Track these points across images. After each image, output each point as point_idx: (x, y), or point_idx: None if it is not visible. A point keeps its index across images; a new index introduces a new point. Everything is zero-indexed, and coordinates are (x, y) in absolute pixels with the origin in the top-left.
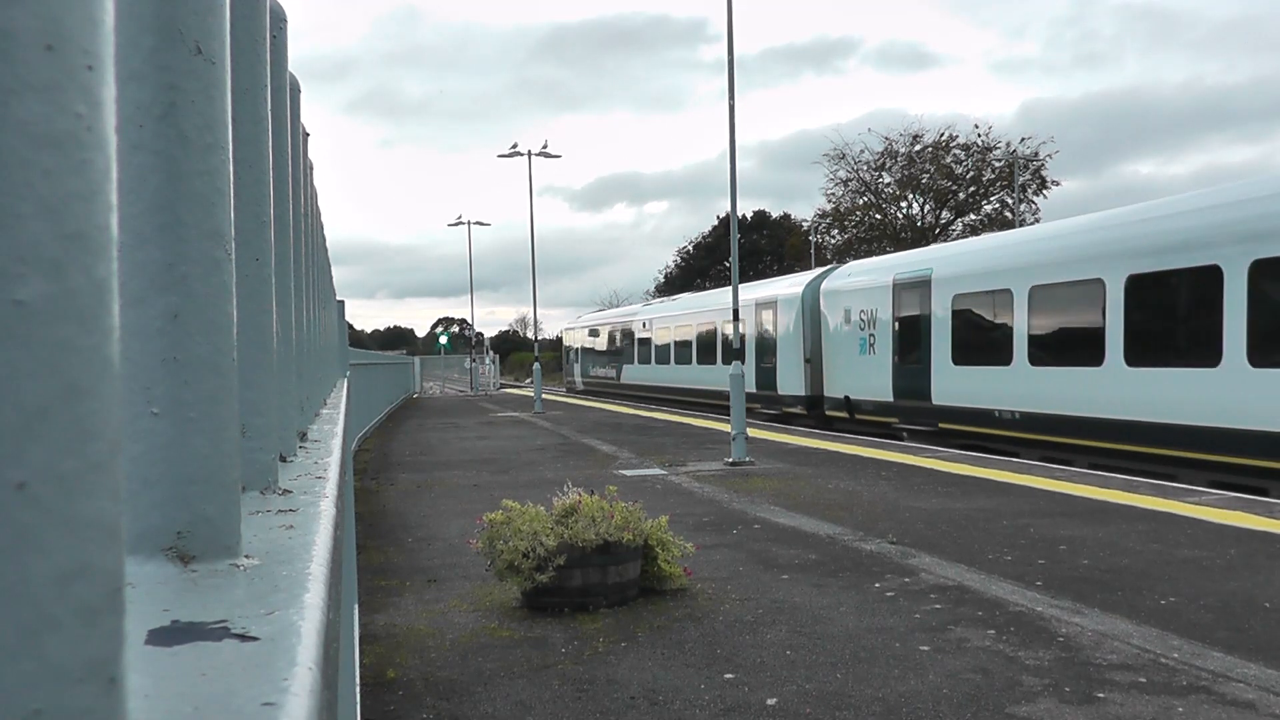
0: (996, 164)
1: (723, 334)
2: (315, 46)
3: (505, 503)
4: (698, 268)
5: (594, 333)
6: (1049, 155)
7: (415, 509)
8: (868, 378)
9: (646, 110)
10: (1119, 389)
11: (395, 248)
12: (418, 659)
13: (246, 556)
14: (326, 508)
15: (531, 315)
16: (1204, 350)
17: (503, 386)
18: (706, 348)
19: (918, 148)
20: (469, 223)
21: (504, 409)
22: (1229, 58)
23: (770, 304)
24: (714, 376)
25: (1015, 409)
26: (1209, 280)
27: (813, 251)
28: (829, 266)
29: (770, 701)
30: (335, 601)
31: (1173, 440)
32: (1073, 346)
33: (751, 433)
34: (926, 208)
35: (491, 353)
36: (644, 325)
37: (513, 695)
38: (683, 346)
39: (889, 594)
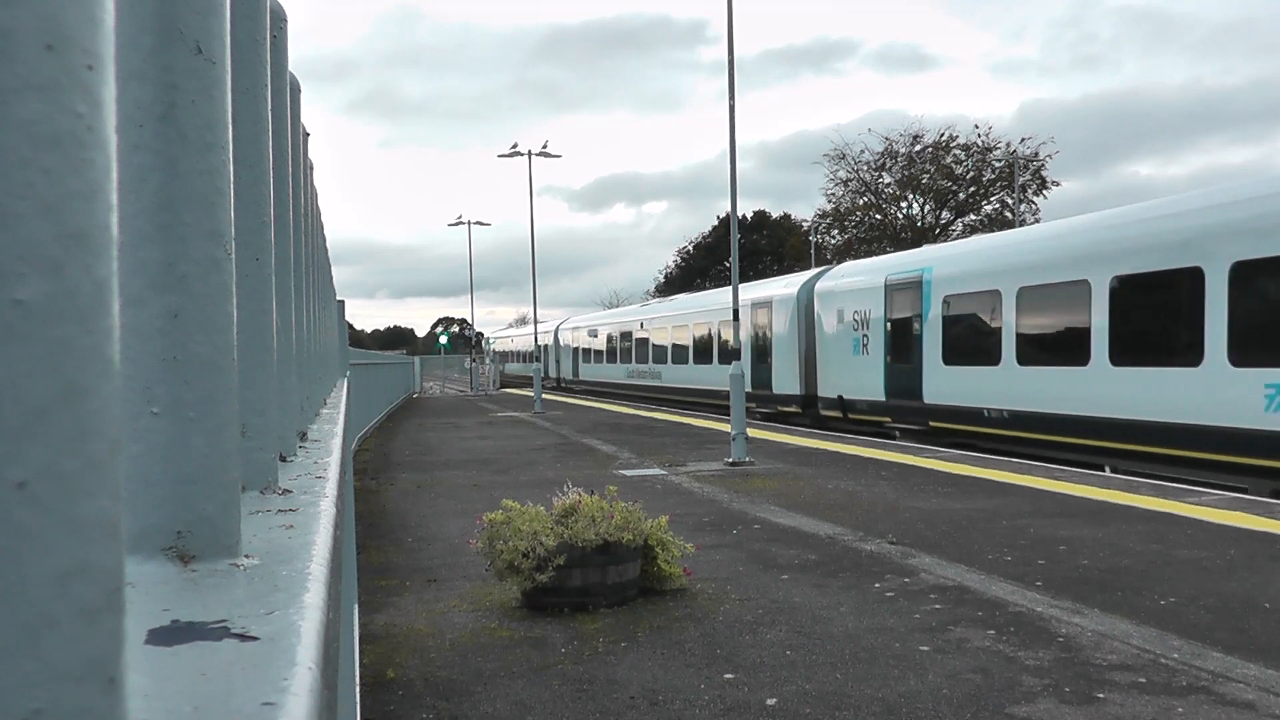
0: (996, 164)
1: (539, 346)
2: (315, 47)
3: (505, 503)
4: (698, 268)
5: (491, 343)
6: (1049, 156)
7: (415, 509)
8: (568, 368)
9: (645, 111)
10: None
11: (395, 248)
12: (417, 659)
13: (246, 556)
14: (326, 508)
15: (532, 315)
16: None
17: (503, 386)
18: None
19: (918, 148)
20: (469, 223)
21: (504, 409)
22: (1227, 60)
23: (547, 333)
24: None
25: (620, 381)
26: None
27: (813, 251)
28: (561, 319)
29: (770, 701)
30: (335, 601)
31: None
32: (613, 356)
33: (751, 433)
34: (926, 208)
35: (492, 352)
36: (510, 340)
37: (512, 695)
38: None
39: (889, 594)
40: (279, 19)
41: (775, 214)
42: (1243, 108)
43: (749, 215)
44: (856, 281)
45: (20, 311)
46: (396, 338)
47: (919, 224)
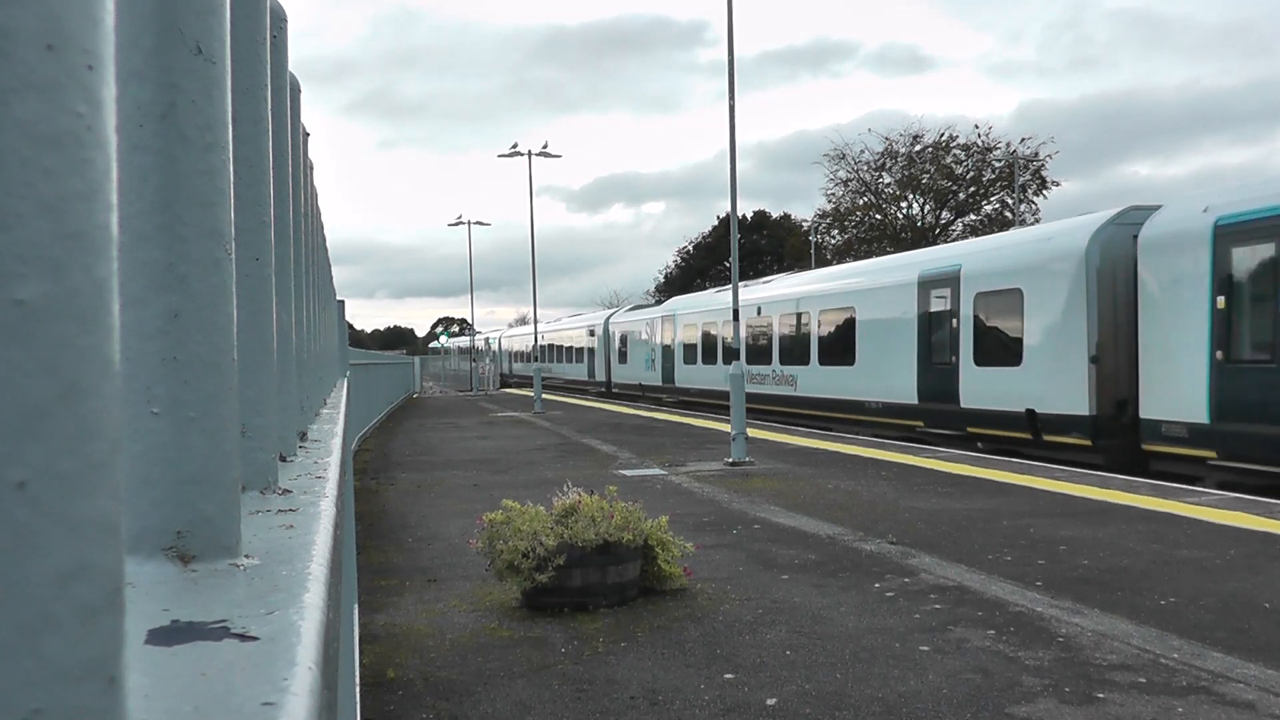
0: (996, 164)
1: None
2: (315, 48)
3: (505, 502)
4: (698, 268)
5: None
6: (1049, 155)
7: (415, 509)
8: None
9: (644, 111)
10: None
11: (395, 248)
12: (417, 659)
13: (246, 556)
14: (326, 508)
15: (532, 315)
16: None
17: (503, 386)
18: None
19: (918, 148)
20: (469, 223)
21: (504, 409)
22: (1225, 61)
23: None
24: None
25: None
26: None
27: (813, 251)
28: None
29: (770, 702)
30: (335, 601)
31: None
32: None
33: (751, 433)
34: (926, 208)
35: (492, 352)
36: (488, 341)
37: (512, 695)
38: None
39: (889, 594)
40: (279, 19)
41: (775, 214)
42: (1241, 108)
43: (749, 215)
44: (638, 317)
45: (20, 311)
46: (396, 338)
47: (919, 224)
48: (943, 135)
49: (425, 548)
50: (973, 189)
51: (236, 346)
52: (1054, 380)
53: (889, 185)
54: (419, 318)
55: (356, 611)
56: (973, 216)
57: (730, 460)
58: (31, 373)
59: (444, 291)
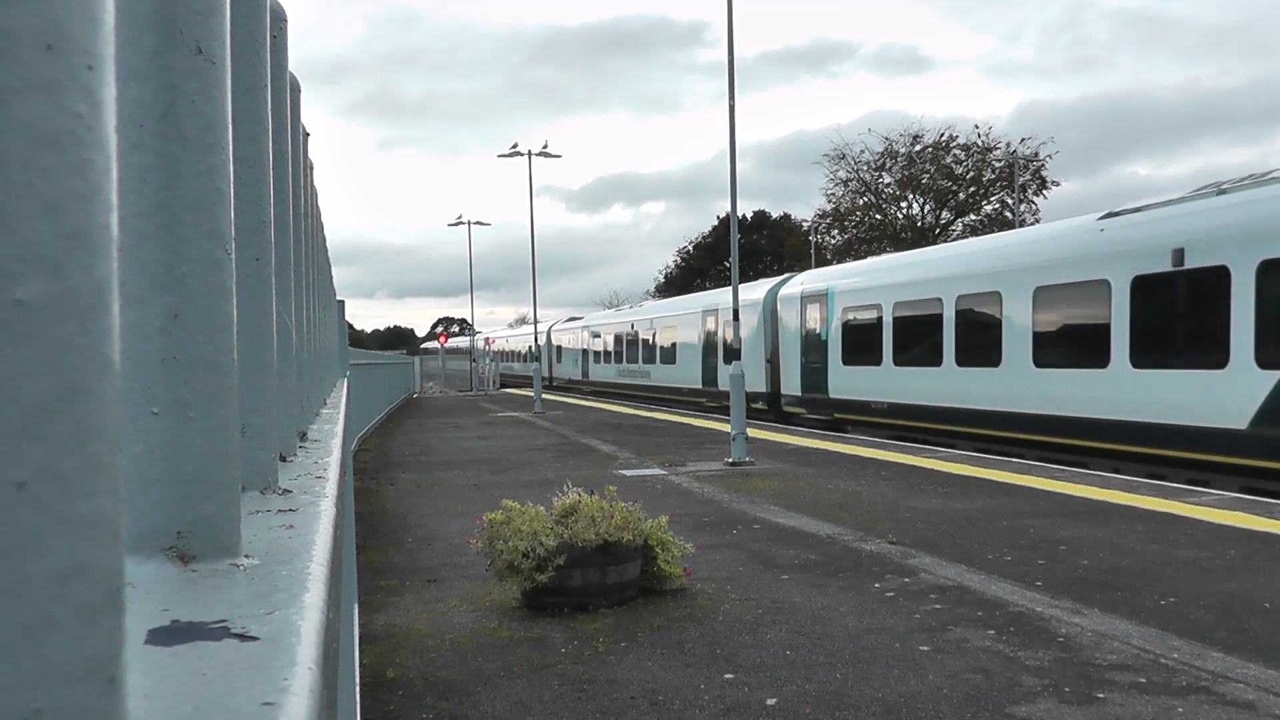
0: (996, 164)
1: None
2: (315, 49)
3: (505, 503)
4: (698, 268)
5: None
6: (1049, 156)
7: (415, 509)
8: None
9: (643, 112)
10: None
11: (395, 248)
12: (417, 659)
13: (246, 556)
14: (326, 508)
15: (532, 315)
16: None
17: (502, 386)
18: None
19: (918, 148)
20: (469, 223)
21: (504, 409)
22: (1223, 61)
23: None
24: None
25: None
26: None
27: (813, 252)
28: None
29: (770, 701)
30: (335, 601)
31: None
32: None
33: (751, 433)
34: (927, 208)
35: (492, 352)
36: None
37: (512, 695)
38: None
39: (889, 594)
40: (279, 19)
41: (775, 214)
42: (1240, 109)
43: (749, 215)
44: (567, 327)
45: (20, 311)
46: (396, 338)
47: (919, 224)
48: (942, 135)
49: (425, 548)
50: (973, 189)
51: (236, 346)
52: (754, 371)
53: (889, 185)
54: (419, 318)
55: (356, 611)
56: (973, 216)
57: (730, 460)
58: (31, 373)
59: (444, 291)
